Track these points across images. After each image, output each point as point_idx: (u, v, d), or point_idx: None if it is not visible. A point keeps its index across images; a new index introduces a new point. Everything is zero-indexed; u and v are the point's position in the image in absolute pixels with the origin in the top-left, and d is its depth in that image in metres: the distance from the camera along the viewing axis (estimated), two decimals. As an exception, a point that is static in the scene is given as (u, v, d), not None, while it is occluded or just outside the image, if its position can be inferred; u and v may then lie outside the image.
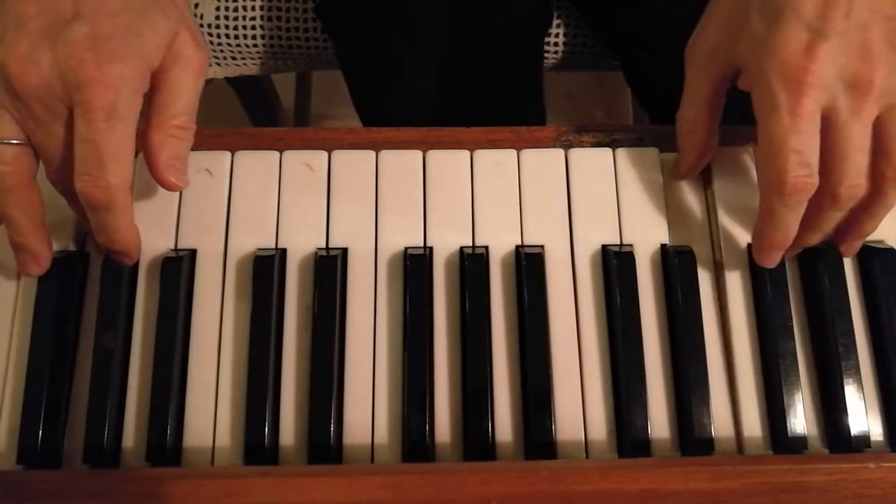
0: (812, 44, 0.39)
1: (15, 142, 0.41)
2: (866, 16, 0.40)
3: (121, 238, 0.43)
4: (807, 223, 0.43)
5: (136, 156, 0.42)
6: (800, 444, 0.43)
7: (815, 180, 0.41)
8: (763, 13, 0.41)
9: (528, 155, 0.49)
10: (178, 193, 0.48)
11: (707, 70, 0.45)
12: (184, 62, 0.43)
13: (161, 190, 0.45)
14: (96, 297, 0.45)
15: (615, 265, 0.46)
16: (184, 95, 0.43)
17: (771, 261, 0.45)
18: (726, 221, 0.47)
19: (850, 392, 0.44)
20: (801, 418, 0.43)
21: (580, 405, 0.44)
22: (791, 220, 0.42)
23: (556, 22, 0.74)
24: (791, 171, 0.40)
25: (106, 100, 0.39)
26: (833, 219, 0.43)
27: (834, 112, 0.40)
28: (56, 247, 0.47)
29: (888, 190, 0.42)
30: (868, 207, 0.43)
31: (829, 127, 0.41)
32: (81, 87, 0.39)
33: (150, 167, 0.44)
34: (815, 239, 0.45)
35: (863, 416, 0.44)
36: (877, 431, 0.44)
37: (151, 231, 0.47)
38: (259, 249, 0.47)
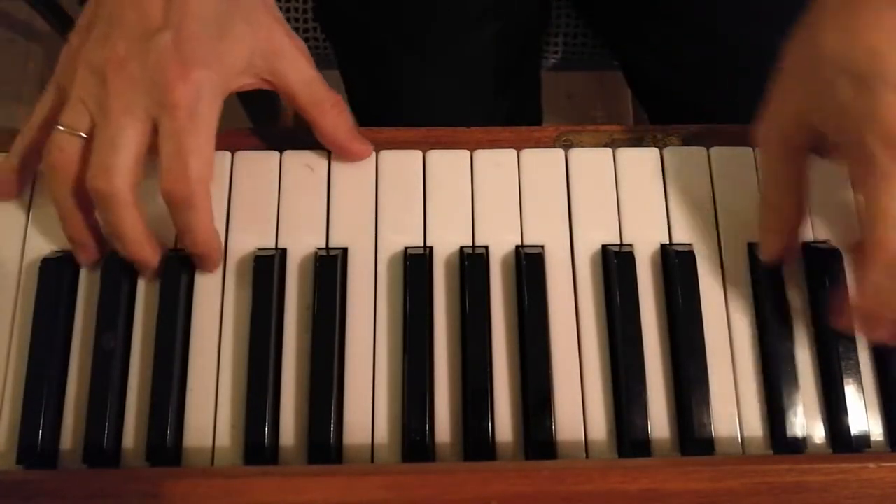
0: None
1: (82, 135, 0.43)
2: None
3: (203, 238, 0.45)
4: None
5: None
6: (800, 444, 0.43)
7: None
8: (849, 82, 0.39)
9: (528, 155, 0.49)
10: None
11: (784, 146, 0.43)
12: (290, 57, 0.46)
13: (161, 207, 0.45)
14: (95, 297, 0.45)
15: (615, 265, 0.46)
16: (313, 81, 0.47)
17: (875, 336, 0.43)
18: (727, 221, 0.47)
19: (850, 392, 0.44)
20: (801, 418, 0.43)
21: (580, 405, 0.44)
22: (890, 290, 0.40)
23: (555, 22, 0.74)
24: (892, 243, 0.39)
25: (188, 99, 0.42)
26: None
27: None
28: (55, 246, 0.47)
29: None
30: None
31: None
32: (166, 89, 0.42)
33: (339, 147, 0.48)
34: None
35: (863, 416, 0.44)
36: (877, 431, 0.44)
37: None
38: (259, 249, 0.47)
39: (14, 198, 0.48)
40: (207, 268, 0.46)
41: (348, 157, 0.48)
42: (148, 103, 0.42)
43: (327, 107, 0.47)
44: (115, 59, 0.42)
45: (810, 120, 0.42)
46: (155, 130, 0.43)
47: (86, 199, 0.44)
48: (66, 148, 0.43)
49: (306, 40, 0.72)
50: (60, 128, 0.44)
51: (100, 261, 0.46)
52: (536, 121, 0.73)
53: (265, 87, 0.47)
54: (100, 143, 0.43)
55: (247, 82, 0.46)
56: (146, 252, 0.45)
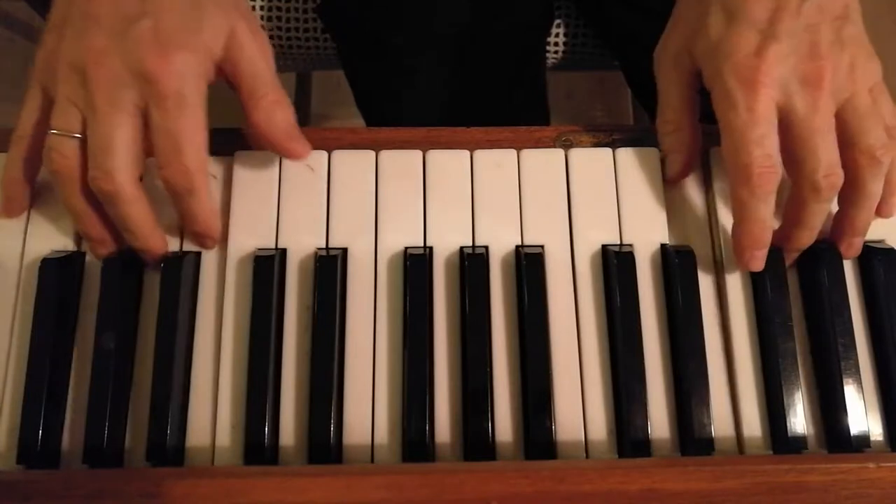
0: (763, 45, 0.42)
1: (77, 135, 0.43)
2: (815, 17, 0.43)
3: (203, 220, 0.46)
4: (795, 221, 0.45)
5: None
6: (800, 444, 0.43)
7: (779, 171, 0.43)
8: (718, 17, 0.44)
9: (528, 155, 0.49)
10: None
11: (674, 72, 0.48)
12: (251, 51, 0.46)
13: (160, 192, 0.45)
14: (95, 297, 0.46)
15: (615, 265, 0.46)
16: (261, 75, 0.46)
17: (755, 261, 0.45)
18: (726, 221, 0.47)
19: (850, 392, 0.44)
20: (801, 418, 0.43)
21: (580, 405, 0.44)
22: (764, 212, 0.44)
23: (556, 22, 0.74)
24: (755, 162, 0.42)
25: (174, 87, 0.42)
26: (819, 212, 0.44)
27: (792, 108, 0.43)
28: (55, 246, 0.47)
29: (865, 177, 0.44)
30: (852, 200, 0.45)
31: (791, 123, 0.43)
32: (150, 78, 0.42)
33: (273, 144, 0.47)
34: (806, 237, 0.45)
35: (863, 416, 0.44)
36: (877, 431, 0.44)
37: (151, 231, 0.47)
38: (259, 249, 0.47)
39: (24, 212, 0.48)
40: (206, 245, 0.47)
41: (284, 154, 0.48)
42: (133, 95, 0.42)
43: (264, 102, 0.46)
44: (95, 53, 0.42)
45: (690, 48, 0.46)
46: (145, 120, 0.43)
47: (95, 196, 0.44)
48: (64, 152, 0.43)
49: (306, 40, 0.72)
50: (54, 132, 0.43)
51: (116, 252, 0.46)
52: (543, 120, 0.73)
53: (219, 76, 0.46)
54: (94, 145, 0.43)
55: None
56: (156, 242, 0.46)
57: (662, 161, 0.49)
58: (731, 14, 0.44)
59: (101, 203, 0.44)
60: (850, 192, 0.45)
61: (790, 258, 0.47)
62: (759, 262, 0.45)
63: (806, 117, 0.42)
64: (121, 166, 0.42)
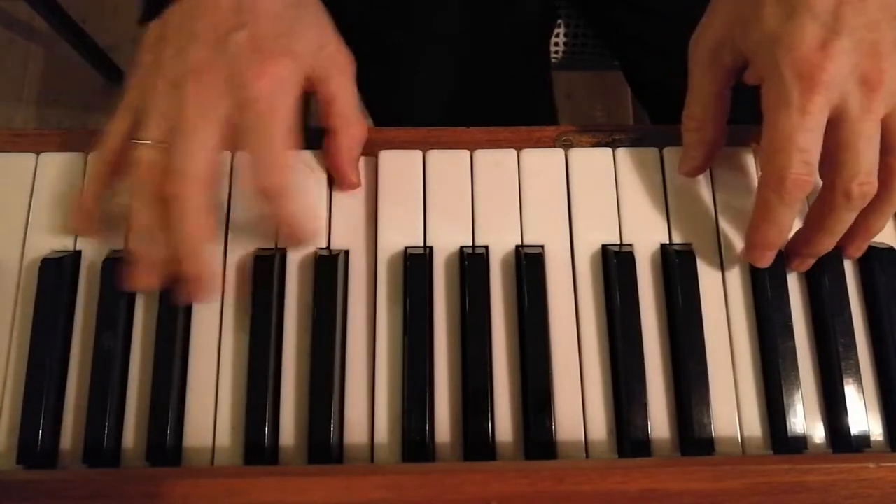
0: (827, 41, 0.40)
1: (161, 144, 0.43)
2: (876, 14, 0.40)
3: (300, 223, 0.45)
4: (820, 226, 0.43)
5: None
6: (800, 444, 0.43)
7: (814, 179, 0.41)
8: (777, 7, 0.41)
9: (528, 155, 0.49)
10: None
11: (713, 66, 0.45)
12: (339, 67, 0.47)
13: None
14: (95, 297, 0.46)
15: (615, 265, 0.46)
16: (351, 95, 0.47)
17: (764, 260, 0.45)
18: (727, 221, 0.47)
19: (850, 392, 0.44)
20: (801, 418, 0.43)
21: (580, 405, 0.44)
22: (786, 218, 0.42)
23: (556, 22, 0.74)
24: (794, 168, 0.40)
25: (267, 90, 0.42)
26: (846, 220, 0.43)
27: (845, 110, 0.40)
28: (55, 246, 0.47)
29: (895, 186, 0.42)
30: (877, 207, 0.43)
31: (839, 124, 0.41)
32: (247, 83, 0.42)
33: (338, 170, 0.47)
34: (828, 243, 0.44)
35: (863, 416, 0.44)
36: (877, 431, 0.44)
37: (151, 231, 0.47)
38: (259, 249, 0.47)
39: (91, 233, 0.47)
40: (302, 244, 0.47)
41: (340, 179, 0.48)
42: (227, 104, 0.42)
43: (354, 130, 0.47)
44: (196, 68, 0.42)
45: (736, 40, 0.43)
46: (232, 131, 0.43)
47: (162, 213, 0.43)
48: (146, 159, 0.43)
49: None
50: (138, 142, 0.43)
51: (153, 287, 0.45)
52: (550, 119, 0.73)
53: (307, 88, 0.46)
54: (175, 149, 0.42)
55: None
56: (202, 267, 0.44)
57: (663, 159, 0.49)
58: (791, 4, 0.41)
59: (163, 224, 0.43)
60: (877, 200, 0.42)
61: (806, 264, 0.45)
62: (767, 261, 0.45)
63: (857, 120, 0.40)
64: (195, 172, 0.42)
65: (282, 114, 0.43)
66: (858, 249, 0.46)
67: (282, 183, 0.43)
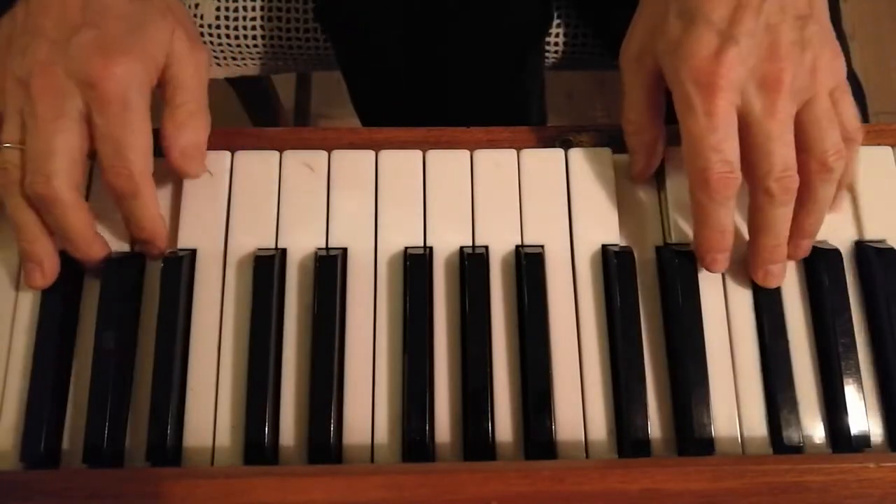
0: (722, 48, 0.41)
1: (20, 147, 0.43)
2: (776, 17, 0.42)
3: (147, 225, 0.46)
4: (758, 227, 0.44)
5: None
6: (800, 444, 0.43)
7: (737, 175, 0.42)
8: (678, 18, 0.43)
9: (528, 155, 0.49)
10: (178, 193, 0.48)
11: (639, 72, 0.46)
12: (182, 58, 0.46)
13: (161, 193, 0.45)
14: (96, 297, 0.46)
15: (615, 265, 0.46)
16: (187, 85, 0.46)
17: (717, 264, 0.45)
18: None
19: (850, 392, 0.44)
20: (800, 418, 0.44)
21: (580, 405, 0.44)
22: (722, 217, 0.43)
23: (556, 22, 0.74)
24: (713, 167, 0.42)
25: (118, 93, 0.42)
26: (779, 217, 0.44)
27: (749, 111, 0.42)
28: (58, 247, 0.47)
29: (816, 184, 0.43)
30: (802, 203, 0.44)
31: (747, 126, 0.42)
32: (94, 84, 0.42)
33: (168, 156, 0.46)
34: (773, 243, 0.44)
35: (863, 416, 0.44)
36: (877, 431, 0.44)
37: (151, 231, 0.47)
38: (259, 249, 0.47)
39: None
40: (152, 253, 0.47)
41: (176, 168, 0.46)
42: (77, 103, 0.43)
43: (180, 111, 0.46)
44: (39, 65, 0.42)
45: (651, 48, 0.45)
46: (90, 128, 0.43)
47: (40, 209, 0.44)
48: (13, 161, 0.43)
49: (307, 40, 0.72)
50: (6, 145, 0.43)
51: (52, 282, 0.45)
52: (540, 121, 0.73)
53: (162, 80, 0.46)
54: (34, 151, 0.43)
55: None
56: (94, 250, 0.45)
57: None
58: (690, 15, 0.43)
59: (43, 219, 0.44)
60: (800, 196, 0.44)
61: (771, 275, 0.45)
62: (720, 265, 0.45)
63: (762, 120, 0.42)
64: (59, 170, 0.42)
65: (134, 118, 0.43)
66: (798, 248, 0.46)
67: (131, 188, 0.43)
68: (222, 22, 0.70)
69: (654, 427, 0.44)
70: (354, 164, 0.49)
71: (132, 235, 0.47)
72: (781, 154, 0.42)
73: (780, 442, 0.43)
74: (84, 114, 0.43)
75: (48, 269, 0.45)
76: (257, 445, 0.43)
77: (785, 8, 0.42)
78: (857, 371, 0.44)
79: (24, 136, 0.43)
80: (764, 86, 0.42)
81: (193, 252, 0.47)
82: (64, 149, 0.42)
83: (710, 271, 0.46)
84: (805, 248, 0.46)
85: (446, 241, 0.47)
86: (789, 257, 0.46)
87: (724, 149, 0.42)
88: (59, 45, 0.43)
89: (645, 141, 0.47)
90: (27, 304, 0.46)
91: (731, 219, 0.44)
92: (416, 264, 0.46)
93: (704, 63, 0.41)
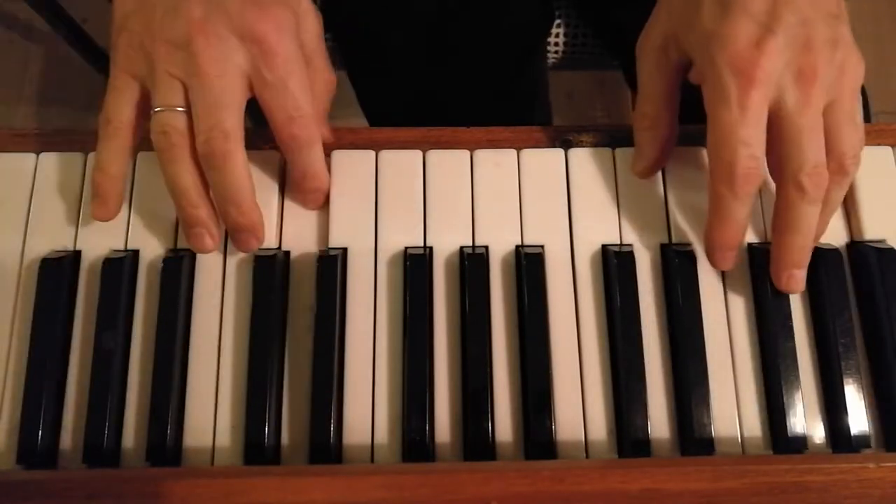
0: (762, 39, 0.41)
1: (181, 109, 0.43)
2: (809, 12, 0.41)
3: (322, 172, 0.46)
4: (784, 225, 0.43)
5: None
6: (800, 444, 0.43)
7: (761, 171, 0.42)
8: (714, 6, 0.42)
9: (528, 155, 0.49)
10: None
11: (660, 64, 0.46)
12: (308, 12, 0.46)
13: (161, 190, 0.45)
14: (95, 297, 0.45)
15: (615, 265, 0.46)
16: (321, 49, 0.47)
17: (726, 261, 0.45)
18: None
19: (850, 392, 0.44)
20: (801, 418, 0.44)
21: (580, 405, 0.44)
22: (741, 213, 0.43)
23: (556, 22, 0.74)
24: (741, 161, 0.41)
25: (282, 44, 0.43)
26: (808, 214, 0.43)
27: (783, 105, 0.41)
28: (55, 246, 0.47)
29: (830, 186, 0.43)
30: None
31: (780, 120, 0.42)
32: (259, 38, 0.42)
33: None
34: (800, 244, 0.44)
35: (863, 416, 0.44)
36: (877, 432, 0.44)
37: (152, 231, 0.47)
38: (259, 249, 0.47)
39: (117, 215, 0.46)
40: (250, 244, 0.46)
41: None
42: (240, 58, 0.42)
43: (320, 75, 0.47)
44: (196, 24, 0.42)
45: (679, 38, 0.44)
46: (250, 84, 0.43)
47: (201, 175, 0.44)
48: (176, 125, 0.42)
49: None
50: (159, 109, 0.43)
51: (217, 247, 0.46)
52: (546, 120, 0.73)
53: None
54: (206, 108, 0.42)
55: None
56: (255, 214, 0.45)
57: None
58: (727, 4, 0.42)
59: (205, 185, 0.44)
60: None
61: (795, 279, 0.44)
62: (729, 263, 0.45)
63: (796, 113, 0.41)
64: (235, 126, 0.42)
65: (299, 65, 0.43)
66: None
67: (311, 133, 0.44)
68: (222, 22, 0.70)
69: (654, 427, 0.44)
70: (354, 164, 0.49)
71: (300, 187, 0.46)
72: (813, 148, 0.41)
73: (780, 442, 0.43)
74: (245, 69, 0.43)
75: (215, 231, 0.45)
76: (257, 445, 0.43)
77: (818, 5, 0.42)
78: (857, 371, 0.44)
79: (182, 99, 0.42)
80: (800, 79, 0.41)
81: (193, 252, 0.47)
82: (235, 104, 0.42)
83: (718, 268, 0.45)
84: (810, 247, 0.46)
85: (446, 241, 0.47)
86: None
87: (753, 143, 0.41)
88: (212, 3, 0.42)
89: (658, 136, 0.47)
90: (27, 303, 0.46)
91: (748, 216, 0.43)
92: (416, 264, 0.46)
93: (745, 52, 0.41)
